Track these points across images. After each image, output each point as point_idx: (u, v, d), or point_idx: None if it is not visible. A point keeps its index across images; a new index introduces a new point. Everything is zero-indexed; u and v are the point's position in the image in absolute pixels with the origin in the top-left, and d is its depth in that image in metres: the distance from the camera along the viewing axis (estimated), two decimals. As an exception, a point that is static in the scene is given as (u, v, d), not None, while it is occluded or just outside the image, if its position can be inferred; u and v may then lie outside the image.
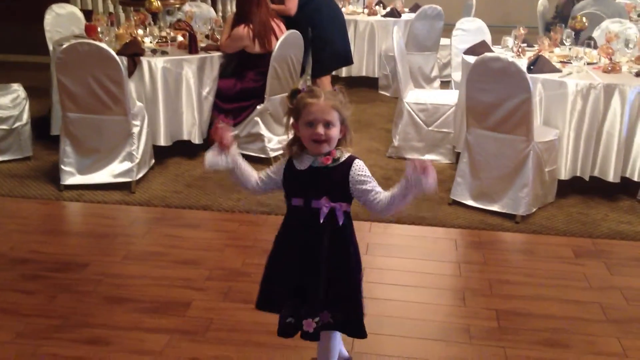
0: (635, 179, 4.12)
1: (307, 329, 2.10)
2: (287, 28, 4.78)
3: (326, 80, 5.36)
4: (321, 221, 2.03)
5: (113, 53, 4.02)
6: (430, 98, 4.97)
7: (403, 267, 3.34)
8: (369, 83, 6.95)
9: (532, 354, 2.61)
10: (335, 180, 2.03)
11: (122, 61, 4.25)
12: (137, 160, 4.20)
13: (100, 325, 2.76)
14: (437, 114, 4.85)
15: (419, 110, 4.88)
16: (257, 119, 4.67)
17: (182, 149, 4.79)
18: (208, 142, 2.21)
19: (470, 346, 2.66)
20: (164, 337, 2.67)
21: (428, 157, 4.91)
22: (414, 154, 4.92)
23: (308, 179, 2.04)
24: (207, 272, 3.21)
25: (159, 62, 4.51)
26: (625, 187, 4.18)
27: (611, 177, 4.09)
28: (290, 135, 2.08)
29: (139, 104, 4.38)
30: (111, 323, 2.78)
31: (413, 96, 4.98)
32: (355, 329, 2.18)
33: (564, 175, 4.12)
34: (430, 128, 4.88)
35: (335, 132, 2.00)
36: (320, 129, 1.96)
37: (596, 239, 3.65)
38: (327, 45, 5.30)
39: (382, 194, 2.02)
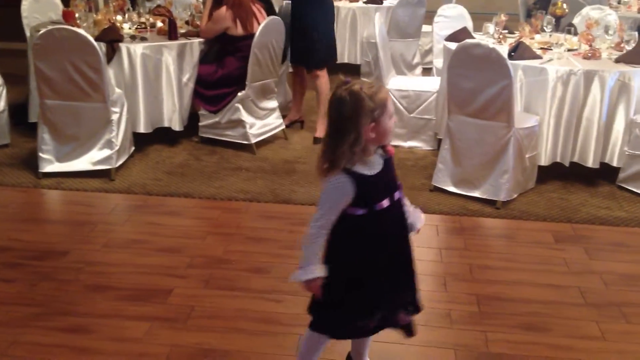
0: (615, 164, 4.16)
1: (404, 322, 2.14)
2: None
3: (325, 72, 5.18)
4: (405, 208, 2.05)
5: (91, 39, 3.96)
6: (412, 85, 4.98)
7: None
8: (351, 70, 6.92)
9: (512, 337, 2.64)
10: (393, 166, 2.03)
11: (101, 47, 4.19)
12: (116, 148, 4.16)
13: (81, 313, 2.74)
14: (419, 101, 4.86)
15: (401, 97, 4.89)
16: (238, 105, 4.64)
17: (163, 136, 4.75)
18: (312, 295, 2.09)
19: (451, 330, 2.68)
20: (145, 325, 2.66)
21: (410, 143, 4.93)
22: (396, 141, 4.93)
23: (386, 176, 1.98)
24: (188, 259, 3.19)
25: (138, 48, 4.46)
26: (605, 173, 4.23)
27: (591, 162, 4.13)
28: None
29: (118, 90, 4.33)
30: (92, 311, 2.76)
31: (395, 83, 4.97)
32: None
33: (544, 161, 4.15)
34: (412, 115, 4.89)
35: None
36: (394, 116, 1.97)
37: (576, 224, 3.69)
38: (325, 36, 5.13)
39: None
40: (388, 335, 2.59)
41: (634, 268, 3.21)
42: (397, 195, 2.01)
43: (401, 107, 4.88)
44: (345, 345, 2.35)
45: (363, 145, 1.88)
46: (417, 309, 2.16)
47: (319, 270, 1.96)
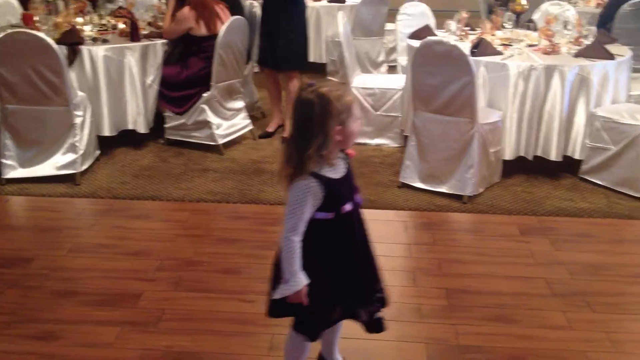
0: (577, 157, 4.25)
1: (364, 319, 2.15)
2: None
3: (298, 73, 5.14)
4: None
5: (52, 42, 3.90)
6: (377, 83, 5.01)
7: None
8: (317, 69, 6.94)
9: (481, 329, 2.68)
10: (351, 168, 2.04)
11: (62, 50, 4.13)
12: (81, 152, 4.10)
13: (49, 320, 2.70)
14: (384, 99, 4.90)
15: (367, 95, 4.91)
16: (204, 106, 4.61)
17: (128, 139, 4.70)
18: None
19: (421, 325, 2.72)
20: (114, 330, 2.63)
21: (377, 141, 4.96)
22: (363, 138, 4.96)
23: (349, 180, 2.00)
24: (157, 262, 3.17)
25: (99, 50, 4.40)
26: (567, 166, 4.32)
27: (553, 156, 4.21)
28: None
29: (80, 93, 4.27)
30: (60, 317, 2.72)
31: (360, 81, 5.00)
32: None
33: (509, 155, 4.22)
34: (378, 112, 4.92)
35: None
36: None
37: (541, 217, 3.76)
38: (306, 38, 5.10)
39: None
40: (360, 332, 2.61)
41: (598, 258, 3.29)
42: (357, 198, 2.05)
43: (367, 105, 4.91)
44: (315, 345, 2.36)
45: (329, 149, 1.87)
46: (383, 303, 2.19)
47: (304, 279, 1.94)
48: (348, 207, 1.98)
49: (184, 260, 3.19)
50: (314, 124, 1.85)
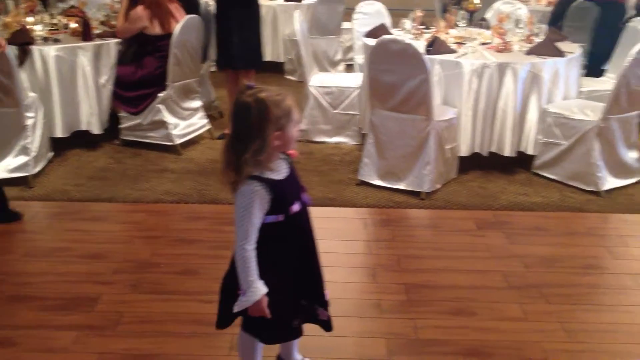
0: (530, 152, 4.35)
1: (324, 318, 2.14)
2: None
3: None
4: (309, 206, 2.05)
5: (1, 41, 3.80)
6: (335, 81, 5.03)
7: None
8: (274, 68, 6.93)
9: (440, 323, 2.72)
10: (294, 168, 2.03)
11: (12, 51, 4.02)
12: (33, 154, 4.01)
13: (5, 325, 2.63)
14: (342, 97, 4.92)
15: (325, 94, 4.93)
16: (160, 106, 4.56)
17: (82, 140, 4.62)
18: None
19: (381, 320, 2.74)
20: (72, 334, 2.58)
21: (336, 139, 4.98)
22: (321, 137, 4.97)
23: (293, 180, 1.98)
24: (114, 265, 3.12)
25: (51, 50, 4.31)
26: (521, 161, 4.41)
27: (507, 151, 4.30)
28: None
29: (32, 94, 4.17)
30: (16, 323, 2.65)
31: (318, 80, 5.02)
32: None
33: (464, 151, 4.29)
34: (336, 111, 4.94)
35: None
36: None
37: (496, 211, 3.84)
38: (259, 37, 5.06)
39: None
40: (320, 329, 2.63)
41: (552, 250, 3.38)
42: (304, 197, 2.03)
43: (325, 104, 4.92)
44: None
45: (267, 153, 1.84)
46: (325, 303, 2.18)
47: (262, 288, 1.90)
48: (296, 207, 1.96)
49: (142, 262, 3.15)
50: (251, 128, 1.82)
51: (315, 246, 2.09)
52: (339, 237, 3.52)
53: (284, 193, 1.91)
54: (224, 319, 2.09)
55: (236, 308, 1.93)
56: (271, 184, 1.87)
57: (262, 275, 1.91)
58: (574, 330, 2.68)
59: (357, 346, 2.57)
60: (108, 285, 2.94)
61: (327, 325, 2.19)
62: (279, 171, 1.92)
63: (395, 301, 2.88)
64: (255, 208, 1.85)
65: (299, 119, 1.90)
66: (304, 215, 2.02)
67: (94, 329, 2.62)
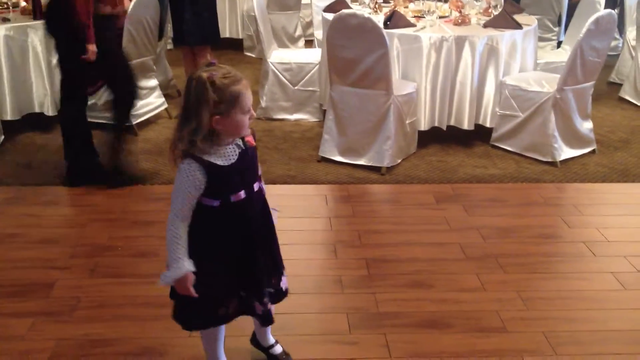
0: (488, 125, 4.39)
1: (259, 312, 2.06)
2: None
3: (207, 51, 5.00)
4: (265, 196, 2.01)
5: (-56, 21, 3.66)
6: (294, 57, 4.98)
7: (277, 226, 3.35)
8: (233, 44, 6.84)
9: (400, 295, 2.74)
10: (256, 156, 1.97)
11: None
12: (-17, 138, 3.89)
13: (-46, 316, 2.56)
14: (301, 73, 4.88)
15: (284, 70, 4.88)
16: (115, 86, 4.45)
17: (34, 122, 4.50)
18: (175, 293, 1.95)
19: (343, 295, 2.75)
20: (26, 321, 2.52)
21: (296, 116, 4.95)
22: (282, 114, 4.93)
23: (243, 167, 1.89)
24: (70, 249, 3.06)
25: (0, 30, 4.16)
26: (479, 134, 4.45)
27: (466, 125, 4.33)
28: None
29: (-20, 76, 4.04)
30: (-34, 312, 2.59)
31: (277, 56, 4.96)
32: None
33: (424, 126, 4.30)
34: (296, 87, 4.91)
35: None
36: (253, 112, 1.87)
37: (455, 184, 3.87)
38: (213, 12, 4.94)
39: None
40: (283, 306, 2.63)
41: (508, 221, 3.43)
42: (256, 186, 1.96)
43: (285, 80, 4.88)
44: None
45: (206, 136, 1.78)
46: (282, 294, 2.15)
47: (187, 265, 1.85)
48: (241, 195, 1.90)
49: (99, 246, 3.09)
50: (188, 107, 1.78)
51: (262, 238, 2.02)
52: (300, 214, 3.51)
53: (224, 179, 1.85)
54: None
55: (160, 282, 1.90)
56: (209, 167, 1.82)
57: (192, 256, 1.88)
58: (531, 298, 2.73)
59: (319, 322, 2.58)
60: (64, 271, 2.88)
61: (264, 320, 2.11)
62: (227, 157, 1.85)
63: (356, 276, 2.89)
64: (188, 187, 1.82)
65: (247, 105, 1.81)
66: (249, 205, 1.94)
67: (51, 315, 2.57)
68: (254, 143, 1.95)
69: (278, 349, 2.33)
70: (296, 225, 3.36)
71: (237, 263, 1.97)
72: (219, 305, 2.01)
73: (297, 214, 3.49)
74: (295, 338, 2.46)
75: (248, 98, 1.81)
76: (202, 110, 1.76)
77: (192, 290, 1.88)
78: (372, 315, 2.62)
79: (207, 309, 1.99)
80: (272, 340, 2.34)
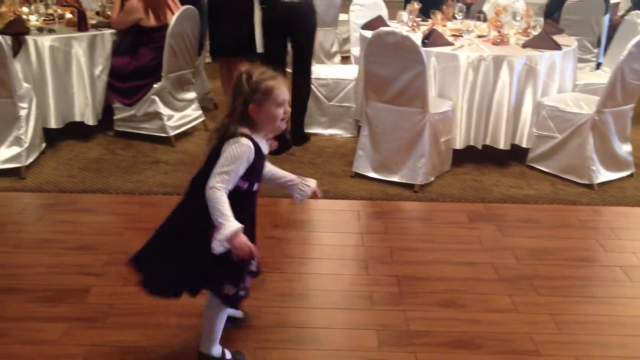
0: (524, 145, 4.34)
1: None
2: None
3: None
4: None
5: (-6, 32, 3.79)
6: (330, 73, 5.01)
7: (309, 240, 3.37)
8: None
9: (430, 314, 2.72)
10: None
11: (6, 41, 4.00)
12: (26, 145, 3.99)
13: (-9, 318, 2.63)
14: (337, 89, 4.91)
15: (320, 86, 4.92)
16: (155, 97, 4.54)
17: (76, 131, 4.60)
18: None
19: (373, 312, 2.74)
20: (60, 326, 2.57)
21: (330, 131, 4.97)
22: (317, 128, 4.96)
23: (264, 163, 2.16)
24: (105, 257, 3.11)
25: (45, 40, 4.29)
26: (515, 154, 4.40)
27: (502, 144, 4.29)
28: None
29: (26, 85, 4.15)
30: (4, 315, 2.64)
31: (314, 71, 4.99)
32: None
33: (459, 144, 4.28)
34: (331, 103, 4.93)
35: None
36: (288, 107, 2.08)
37: (488, 204, 3.83)
38: (251, 25, 5.04)
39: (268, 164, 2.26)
40: (313, 321, 2.63)
41: (542, 242, 3.37)
42: (259, 185, 2.17)
43: (320, 95, 4.91)
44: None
45: (243, 121, 2.02)
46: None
47: (236, 223, 1.97)
48: (256, 187, 2.12)
49: (133, 254, 3.13)
50: (232, 96, 2.05)
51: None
52: (332, 229, 3.51)
53: (259, 165, 2.10)
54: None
55: (216, 248, 2.00)
56: (257, 149, 2.04)
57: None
58: (565, 322, 2.68)
59: (349, 337, 2.57)
60: (98, 277, 2.93)
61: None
62: (265, 147, 2.10)
63: (386, 293, 2.87)
64: (243, 161, 2.01)
65: (280, 99, 2.03)
66: (255, 199, 2.17)
67: (84, 321, 2.61)
68: (275, 146, 2.19)
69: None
70: (328, 240, 3.36)
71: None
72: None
73: (329, 229, 3.50)
74: (325, 353, 2.45)
75: (282, 92, 2.04)
76: (237, 97, 2.03)
77: (250, 244, 2.00)
78: (402, 333, 2.60)
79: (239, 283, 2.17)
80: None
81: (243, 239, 1.98)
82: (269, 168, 2.28)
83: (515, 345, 2.53)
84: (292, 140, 4.63)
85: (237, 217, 2.00)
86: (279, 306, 2.73)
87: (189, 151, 4.55)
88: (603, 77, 4.93)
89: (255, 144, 2.03)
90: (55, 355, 2.41)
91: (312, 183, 2.31)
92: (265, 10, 4.56)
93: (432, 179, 4.08)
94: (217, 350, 2.31)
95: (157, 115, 4.58)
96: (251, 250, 2.00)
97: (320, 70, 5.08)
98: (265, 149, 2.10)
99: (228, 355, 2.34)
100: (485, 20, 5.01)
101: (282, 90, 2.04)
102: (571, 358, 2.46)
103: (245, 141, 2.00)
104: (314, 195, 2.31)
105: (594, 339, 2.59)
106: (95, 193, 3.84)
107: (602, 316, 2.75)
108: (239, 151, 1.99)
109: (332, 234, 3.46)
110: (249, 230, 2.10)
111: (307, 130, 4.93)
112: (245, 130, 2.02)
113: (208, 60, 5.63)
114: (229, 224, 1.95)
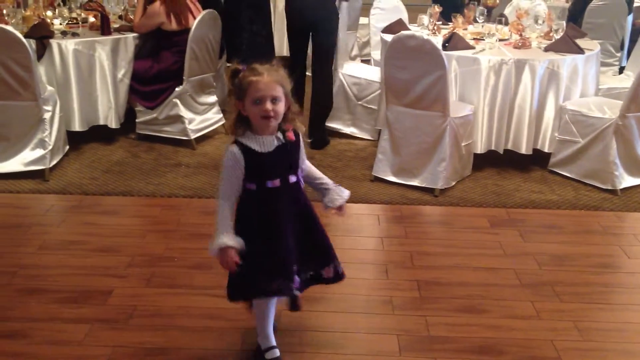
0: (546, 150, 4.31)
1: (329, 275, 2.33)
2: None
3: None
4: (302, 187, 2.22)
5: (20, 36, 3.84)
6: (365, 73, 4.98)
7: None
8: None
9: (451, 320, 2.71)
10: (297, 152, 2.17)
11: (30, 44, 4.07)
12: (49, 147, 4.05)
13: (16, 318, 2.66)
14: (368, 90, 4.87)
15: (353, 84, 4.91)
16: (176, 100, 4.58)
17: (99, 134, 4.66)
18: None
19: (393, 317, 2.73)
20: (84, 327, 2.60)
21: (351, 129, 4.97)
22: (338, 124, 4.96)
23: (278, 158, 2.09)
24: (128, 258, 3.14)
25: (69, 44, 4.35)
26: (537, 158, 4.37)
27: (524, 149, 4.26)
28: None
29: (49, 88, 4.21)
30: (28, 315, 2.68)
31: (349, 68, 4.99)
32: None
33: (480, 149, 4.26)
34: (359, 102, 4.92)
35: (282, 107, 2.06)
36: (268, 105, 2.01)
37: (510, 209, 3.81)
38: (270, 31, 5.09)
39: (306, 162, 2.26)
40: (333, 325, 2.63)
41: (565, 248, 3.34)
42: (292, 178, 2.14)
43: (350, 93, 4.91)
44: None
45: (240, 121, 2.05)
46: (320, 278, 2.35)
47: (227, 239, 2.03)
48: (276, 183, 2.10)
49: (155, 256, 3.17)
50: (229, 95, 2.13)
51: (299, 224, 2.19)
52: (352, 233, 3.51)
53: (260, 165, 2.07)
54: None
55: (209, 252, 2.10)
56: (246, 152, 2.04)
57: (241, 234, 2.09)
58: (587, 329, 2.66)
59: (369, 342, 2.57)
60: (121, 279, 2.96)
61: (293, 305, 2.40)
62: (263, 145, 2.07)
63: (407, 298, 2.87)
64: (231, 169, 2.05)
65: (255, 96, 1.99)
66: (283, 193, 2.13)
67: (107, 322, 2.64)
68: (293, 138, 2.13)
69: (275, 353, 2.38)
70: (347, 243, 3.36)
71: (264, 246, 2.14)
72: (270, 280, 2.16)
73: (348, 233, 3.50)
74: (345, 357, 2.45)
75: (262, 88, 1.99)
76: (231, 97, 2.09)
77: (231, 263, 2.06)
78: (422, 338, 2.59)
79: (252, 283, 2.17)
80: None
81: (229, 254, 2.05)
82: (307, 166, 2.27)
83: (537, 352, 2.51)
84: (311, 144, 4.64)
85: (259, 215, 2.08)
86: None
87: (209, 154, 4.57)
88: (626, 81, 4.87)
89: (244, 146, 2.05)
90: (79, 356, 2.44)
91: (345, 194, 2.31)
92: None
93: (453, 183, 4.07)
94: (264, 342, 2.35)
95: (179, 119, 4.61)
96: (234, 268, 2.08)
97: (355, 68, 5.06)
98: (267, 146, 2.07)
99: (274, 354, 2.34)
100: (506, 23, 4.98)
101: (263, 85, 1.99)
102: (594, 366, 2.43)
103: (229, 149, 2.05)
104: (339, 209, 2.32)
105: (617, 347, 2.56)
106: (118, 195, 3.88)
107: (625, 323, 2.72)
108: (224, 161, 2.07)
109: (351, 237, 3.46)
110: (275, 227, 2.13)
111: (329, 124, 4.92)
112: (240, 132, 2.06)
113: (229, 64, 5.65)
114: (218, 239, 2.05)
